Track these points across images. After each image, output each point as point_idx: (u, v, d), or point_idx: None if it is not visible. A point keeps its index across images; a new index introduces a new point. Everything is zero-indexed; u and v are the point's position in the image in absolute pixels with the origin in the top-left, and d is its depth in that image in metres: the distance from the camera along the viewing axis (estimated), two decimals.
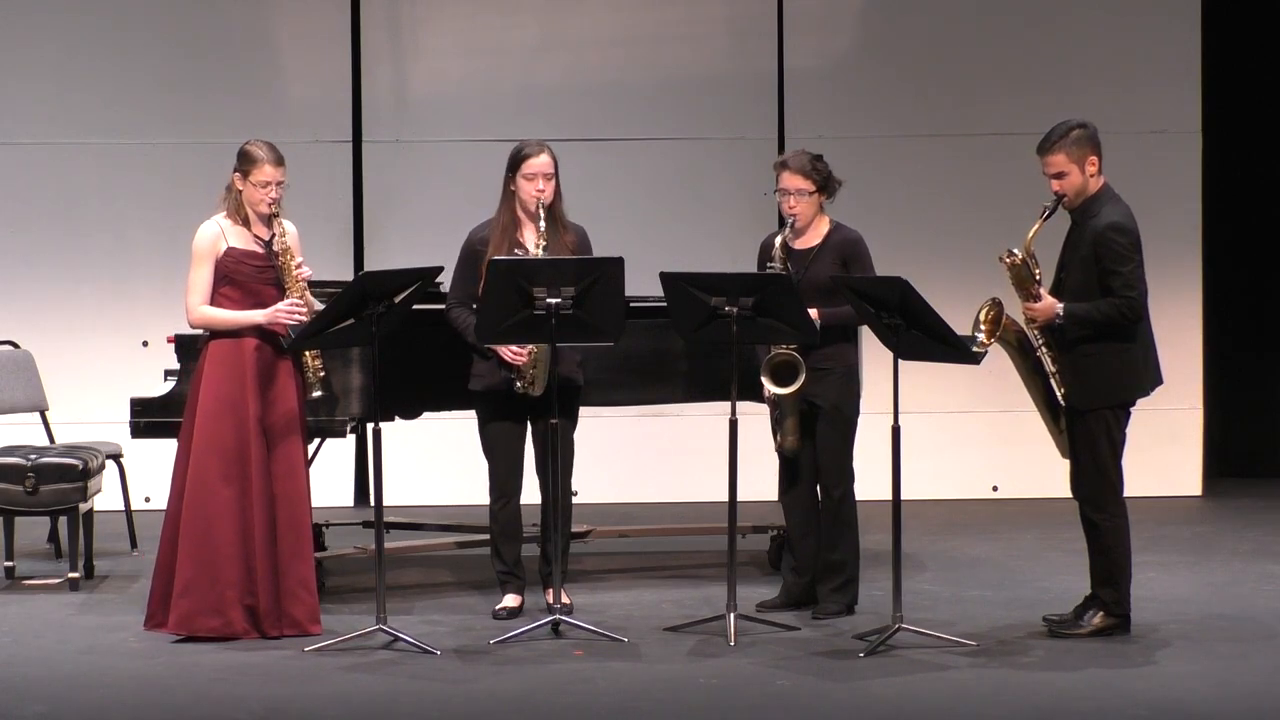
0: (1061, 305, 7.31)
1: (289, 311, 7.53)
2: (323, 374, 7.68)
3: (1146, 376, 7.42)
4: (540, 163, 7.79)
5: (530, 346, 7.70)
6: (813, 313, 7.63)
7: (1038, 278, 7.36)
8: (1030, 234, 7.34)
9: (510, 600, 7.94)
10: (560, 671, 7.04)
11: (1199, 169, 11.13)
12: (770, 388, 7.74)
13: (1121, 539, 7.41)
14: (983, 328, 7.33)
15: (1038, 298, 7.35)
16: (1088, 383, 7.35)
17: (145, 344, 10.81)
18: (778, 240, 7.82)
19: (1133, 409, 7.43)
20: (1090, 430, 7.36)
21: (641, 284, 7.91)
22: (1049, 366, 7.44)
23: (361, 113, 11.06)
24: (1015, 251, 7.35)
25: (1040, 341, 7.43)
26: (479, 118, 11.01)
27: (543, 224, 7.73)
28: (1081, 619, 7.48)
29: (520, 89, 11.07)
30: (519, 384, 7.78)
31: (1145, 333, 7.39)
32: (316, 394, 7.66)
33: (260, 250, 7.61)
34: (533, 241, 7.77)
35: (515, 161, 7.84)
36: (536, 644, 7.42)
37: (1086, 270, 7.31)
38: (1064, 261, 7.45)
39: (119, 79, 10.90)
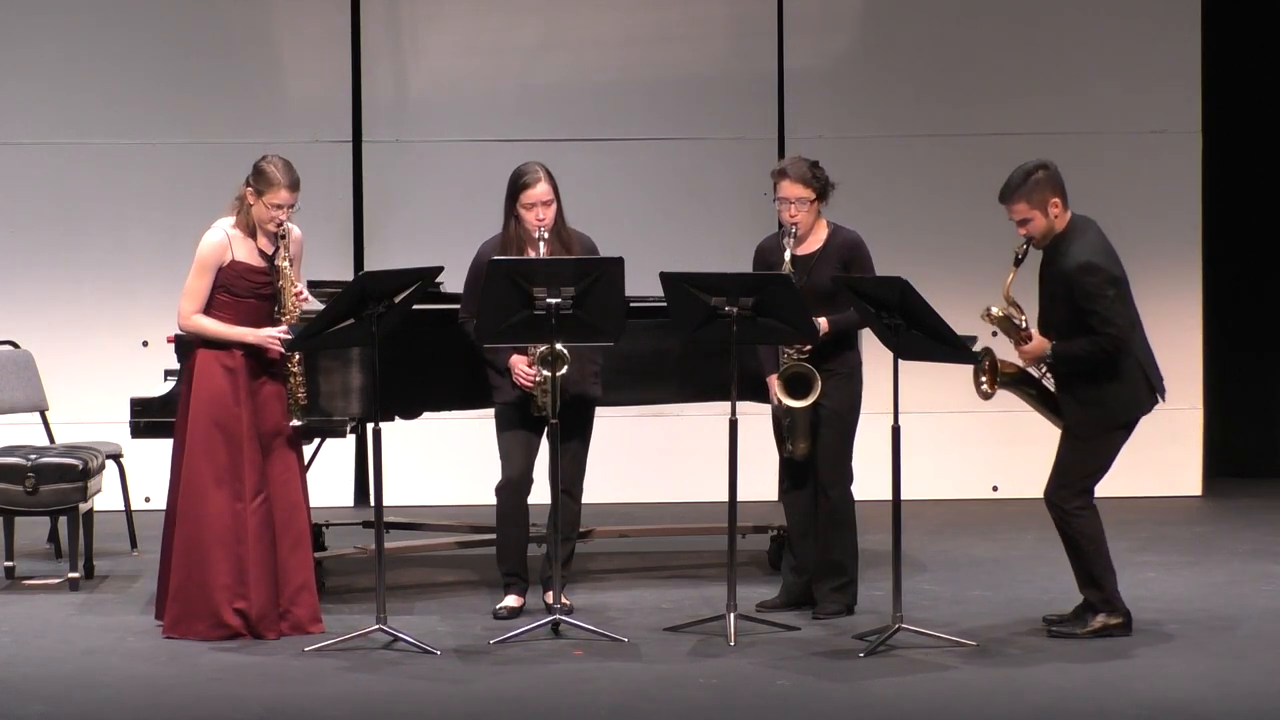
0: (1050, 345, 7.34)
1: (279, 338, 7.51)
2: (305, 402, 7.64)
3: (1143, 396, 7.44)
4: (538, 193, 7.77)
5: (540, 374, 7.68)
6: (821, 322, 7.62)
7: (1022, 324, 7.39)
8: (1006, 283, 7.40)
9: (512, 600, 7.93)
10: (560, 671, 7.04)
11: (1199, 169, 11.12)
12: (785, 401, 7.71)
13: (1093, 535, 7.41)
14: (985, 381, 7.36)
15: (1028, 338, 7.40)
16: (1084, 412, 7.39)
17: (145, 344, 10.80)
18: (786, 256, 7.75)
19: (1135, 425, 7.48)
20: (1085, 445, 7.38)
21: (641, 284, 7.90)
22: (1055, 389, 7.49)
23: (361, 113, 11.05)
24: (994, 310, 7.39)
25: (1043, 370, 7.47)
26: (479, 118, 11.01)
27: (543, 247, 7.72)
28: (1081, 619, 7.48)
29: (520, 89, 11.06)
30: (532, 409, 7.77)
31: (1139, 354, 7.41)
32: (296, 423, 7.62)
33: (263, 264, 7.59)
34: None
35: (514, 190, 7.82)
36: (536, 644, 7.42)
37: (1070, 307, 7.34)
38: (1042, 295, 7.47)
39: (119, 79, 10.89)
